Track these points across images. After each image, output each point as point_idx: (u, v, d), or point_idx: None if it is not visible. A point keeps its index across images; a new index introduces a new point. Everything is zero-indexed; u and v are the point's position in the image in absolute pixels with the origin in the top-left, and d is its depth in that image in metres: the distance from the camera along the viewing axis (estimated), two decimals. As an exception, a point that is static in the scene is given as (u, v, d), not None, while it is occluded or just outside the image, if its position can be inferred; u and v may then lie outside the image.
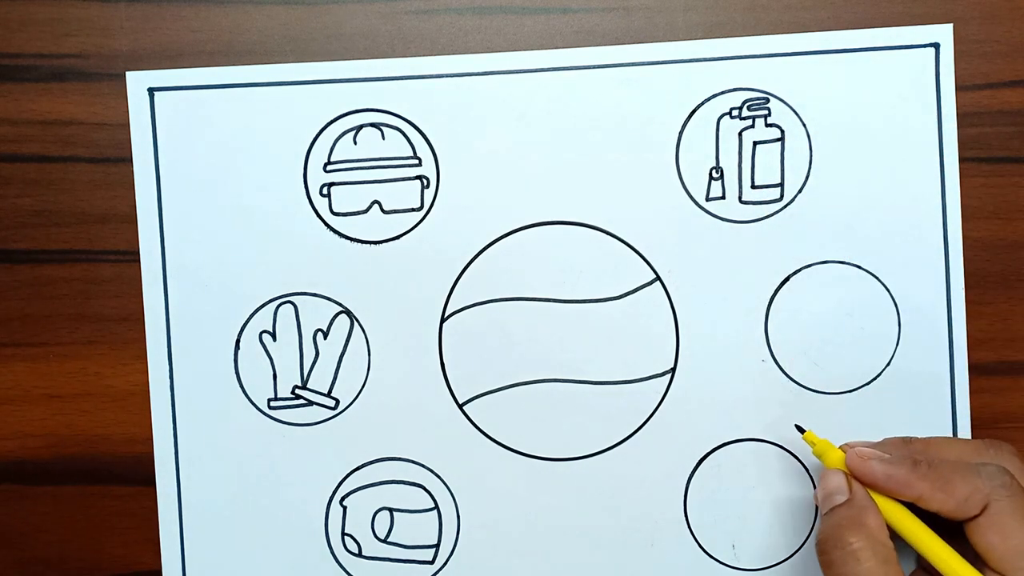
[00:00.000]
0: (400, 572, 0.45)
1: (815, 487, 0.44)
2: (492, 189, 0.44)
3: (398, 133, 0.44)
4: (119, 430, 0.45)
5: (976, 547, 0.37)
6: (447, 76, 0.44)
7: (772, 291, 0.44)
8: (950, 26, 0.44)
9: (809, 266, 0.44)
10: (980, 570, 0.36)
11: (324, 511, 0.44)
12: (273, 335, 0.44)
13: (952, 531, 0.38)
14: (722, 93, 0.44)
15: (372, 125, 0.44)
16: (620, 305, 0.44)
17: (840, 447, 0.40)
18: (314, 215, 0.44)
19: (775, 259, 0.44)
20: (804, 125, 0.44)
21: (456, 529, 0.44)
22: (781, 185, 0.44)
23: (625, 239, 0.44)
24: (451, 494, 0.44)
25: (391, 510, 0.44)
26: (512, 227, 0.44)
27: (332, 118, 0.44)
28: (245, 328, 0.44)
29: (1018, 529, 0.36)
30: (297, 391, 0.44)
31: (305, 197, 0.44)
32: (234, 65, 0.44)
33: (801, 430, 0.42)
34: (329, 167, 0.44)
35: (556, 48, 0.44)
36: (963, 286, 0.44)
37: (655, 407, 0.44)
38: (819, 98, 0.44)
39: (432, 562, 0.44)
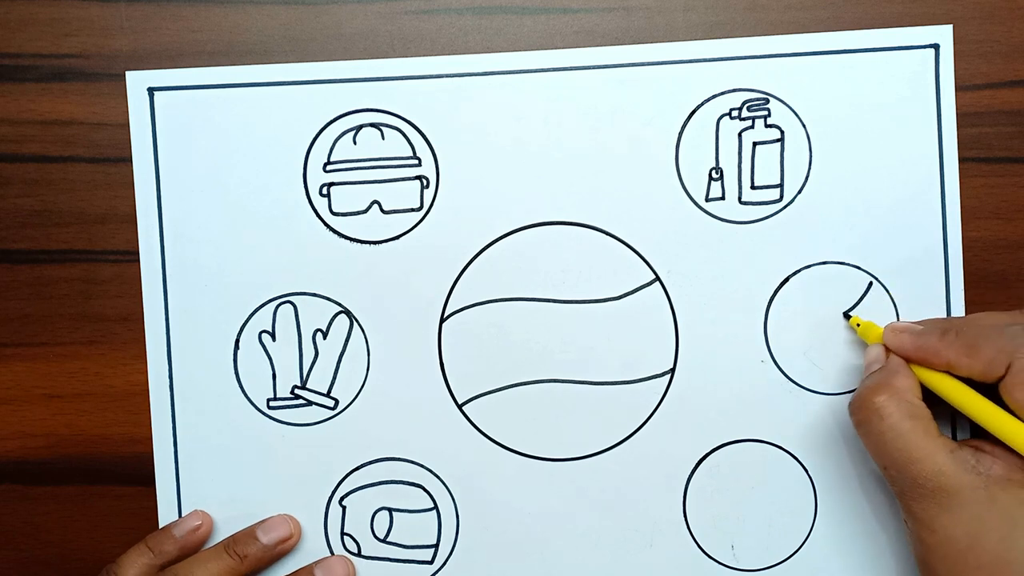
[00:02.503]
0: (399, 572, 0.45)
1: (814, 487, 0.44)
2: (492, 189, 0.44)
3: (398, 133, 0.44)
4: (119, 430, 0.45)
5: (1010, 406, 0.37)
6: (447, 76, 0.44)
7: (772, 291, 0.44)
8: (950, 27, 0.44)
9: (809, 266, 0.44)
10: None
11: (324, 511, 0.44)
12: (272, 335, 0.44)
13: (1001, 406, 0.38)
14: (722, 94, 0.44)
15: (372, 125, 0.44)
16: (620, 305, 0.44)
17: (885, 327, 0.42)
18: (314, 215, 0.44)
19: (775, 259, 0.44)
20: (804, 126, 0.44)
21: (455, 529, 0.44)
22: (781, 186, 0.44)
23: (625, 239, 0.44)
24: (450, 494, 0.44)
25: (390, 510, 0.45)
26: (512, 227, 0.44)
27: (332, 118, 0.44)
28: (244, 328, 0.44)
29: None
30: (296, 391, 0.44)
31: (305, 197, 0.44)
32: (234, 65, 0.44)
33: (847, 316, 0.43)
34: (329, 167, 0.44)
35: (556, 48, 0.44)
36: (963, 286, 0.44)
37: (654, 407, 0.44)
38: (819, 99, 0.44)
39: (431, 562, 0.45)
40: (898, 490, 0.38)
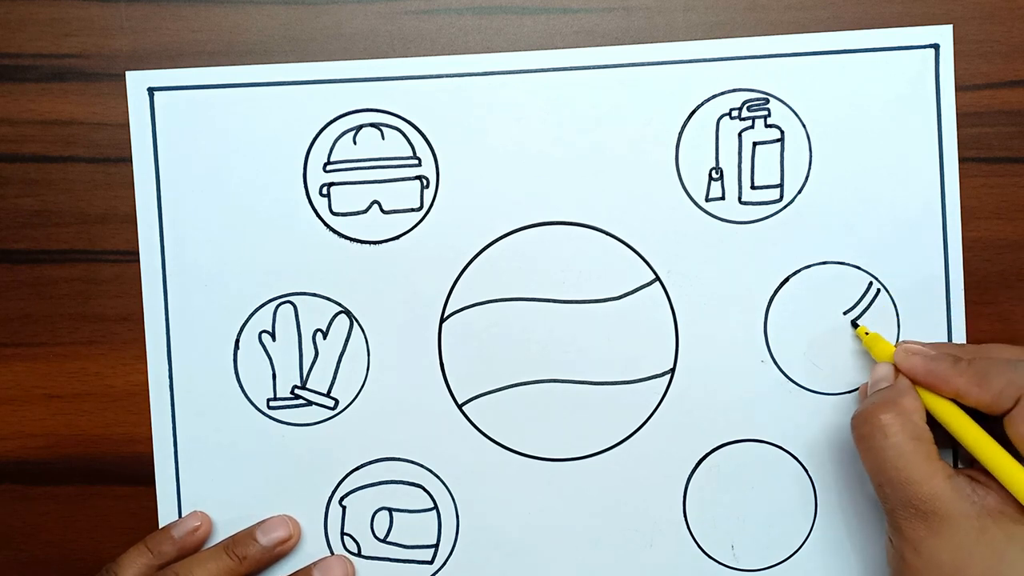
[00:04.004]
0: (399, 572, 0.45)
1: (814, 487, 0.44)
2: (492, 189, 0.44)
3: (398, 133, 0.44)
4: (119, 430, 0.45)
5: (1012, 440, 0.37)
6: (447, 76, 0.44)
7: (772, 292, 0.44)
8: (950, 27, 0.44)
9: (809, 266, 0.44)
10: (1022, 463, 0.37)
11: (323, 511, 0.44)
12: (272, 335, 0.44)
13: (1003, 439, 0.38)
14: (722, 94, 0.44)
15: (372, 125, 0.44)
16: (620, 305, 0.44)
17: (896, 344, 0.42)
18: (314, 215, 0.44)
19: (775, 259, 0.44)
20: (804, 126, 0.44)
21: (455, 529, 0.44)
22: (781, 186, 0.44)
23: (625, 239, 0.44)
24: (450, 494, 0.44)
25: (390, 510, 0.45)
26: (512, 227, 0.44)
27: (332, 118, 0.44)
28: (244, 328, 0.44)
29: None
30: (296, 391, 0.44)
31: (305, 197, 0.44)
32: (234, 65, 0.44)
33: (855, 325, 0.43)
34: (329, 167, 0.44)
35: (556, 48, 0.44)
36: (963, 286, 0.44)
37: (654, 407, 0.44)
38: (819, 99, 0.44)
39: (431, 562, 0.45)
40: (889, 507, 0.38)
